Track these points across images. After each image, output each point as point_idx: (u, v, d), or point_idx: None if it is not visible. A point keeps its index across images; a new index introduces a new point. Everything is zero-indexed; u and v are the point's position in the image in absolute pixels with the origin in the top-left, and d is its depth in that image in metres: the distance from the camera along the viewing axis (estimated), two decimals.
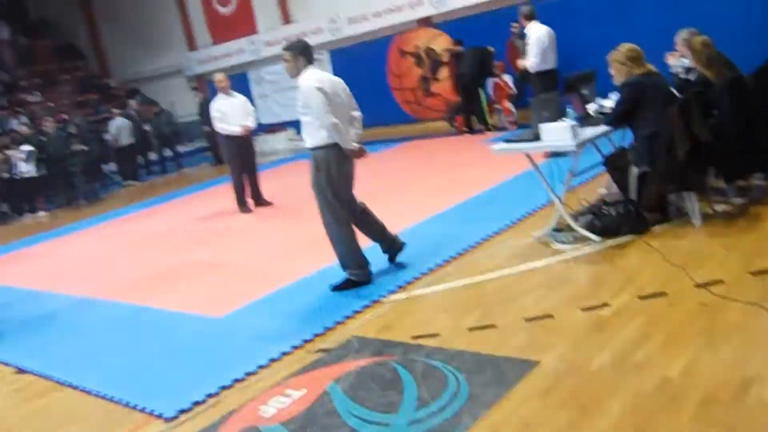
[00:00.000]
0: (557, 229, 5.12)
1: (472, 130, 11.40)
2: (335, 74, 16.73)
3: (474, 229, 5.67)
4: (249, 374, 3.90)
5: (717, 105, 4.87)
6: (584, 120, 5.15)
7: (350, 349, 3.96)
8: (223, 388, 3.79)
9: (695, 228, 4.69)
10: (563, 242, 4.95)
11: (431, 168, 9.30)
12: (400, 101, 14.19)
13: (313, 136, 4.71)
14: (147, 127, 15.85)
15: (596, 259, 4.59)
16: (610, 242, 4.75)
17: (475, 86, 11.14)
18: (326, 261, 5.21)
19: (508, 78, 10.93)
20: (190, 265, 6.68)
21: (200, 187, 12.16)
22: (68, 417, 3.92)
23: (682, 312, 3.56)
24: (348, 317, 4.43)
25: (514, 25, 10.04)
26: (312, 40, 14.77)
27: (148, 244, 8.25)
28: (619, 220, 4.86)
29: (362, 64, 14.26)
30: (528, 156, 5.08)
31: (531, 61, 7.83)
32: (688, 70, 5.72)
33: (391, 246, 5.17)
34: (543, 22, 7.98)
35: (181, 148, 16.45)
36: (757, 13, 9.06)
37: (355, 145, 4.83)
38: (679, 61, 6.08)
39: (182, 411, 3.63)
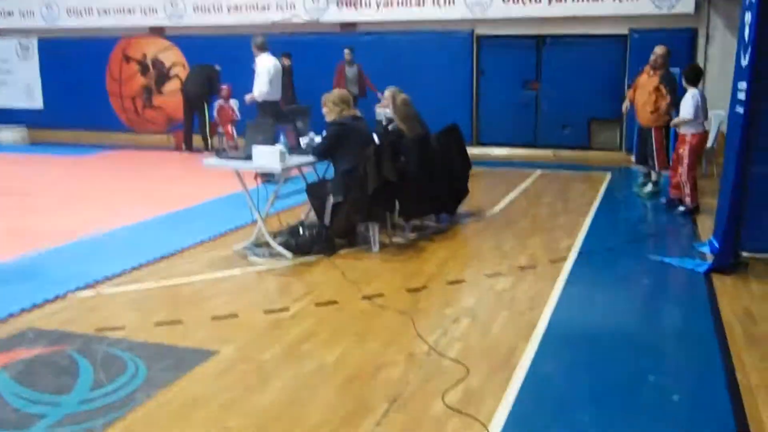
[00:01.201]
0: (257, 245, 5.82)
1: (190, 148, 11.77)
2: (44, 67, 15.87)
3: (176, 238, 6.13)
4: None
5: (405, 154, 6.08)
6: (294, 149, 5.99)
7: (24, 340, 4.10)
8: None
9: (373, 253, 5.76)
10: (259, 256, 5.65)
11: (141, 177, 9.50)
12: (116, 108, 13.98)
13: None
14: None
15: (286, 273, 5.37)
16: (301, 260, 5.58)
17: (201, 104, 11.59)
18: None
19: (234, 103, 11.56)
20: None
21: None
22: None
23: (347, 316, 4.45)
24: (25, 310, 4.53)
25: (348, 51, 10.91)
26: (19, 23, 14.11)
27: None
28: (311, 241, 5.72)
29: (78, 61, 13.83)
30: (237, 174, 5.73)
31: (258, 90, 8.59)
32: (390, 120, 6.95)
33: None
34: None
35: None
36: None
37: None
38: (384, 111, 7.34)
39: None
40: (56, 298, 4.75)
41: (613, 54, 10.71)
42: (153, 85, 13.63)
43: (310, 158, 5.87)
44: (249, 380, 3.61)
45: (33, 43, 14.31)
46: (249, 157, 5.56)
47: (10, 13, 14.33)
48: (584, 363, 3.81)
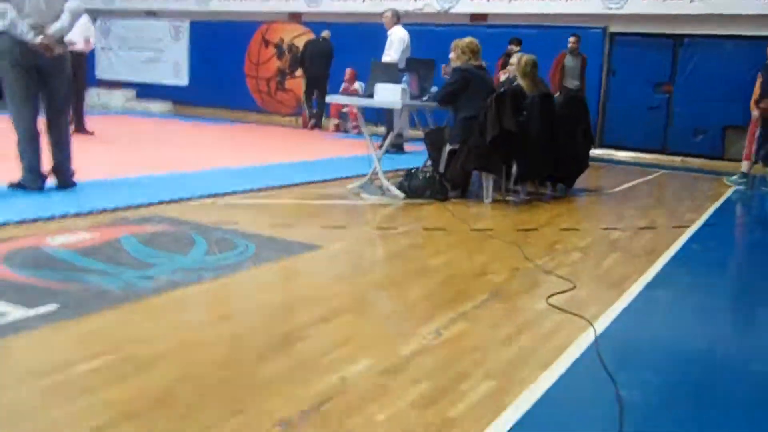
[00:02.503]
0: (370, 184, 5.88)
1: (319, 127, 12.11)
2: (193, 47, 16.75)
3: (294, 175, 6.30)
4: (42, 219, 4.12)
5: (527, 111, 5.97)
6: (416, 98, 6.02)
7: (152, 220, 4.34)
8: (9, 222, 3.98)
9: (484, 204, 5.66)
10: (372, 194, 5.69)
11: (268, 138, 9.87)
12: (252, 89, 14.65)
13: None
14: None
15: (397, 207, 5.38)
16: (412, 201, 5.57)
17: (323, 82, 11.85)
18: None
19: (358, 85, 11.77)
20: None
21: None
22: None
23: (454, 239, 4.39)
24: (154, 204, 4.78)
25: (572, 40, 10.08)
26: (175, 5, 15.14)
27: None
28: (425, 186, 5.70)
29: (222, 42, 14.64)
30: (358, 111, 5.82)
31: (390, 57, 8.68)
32: (512, 80, 6.84)
33: (57, 174, 5.09)
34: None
35: None
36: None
37: (38, 38, 4.62)
38: (505, 77, 7.25)
39: None
40: (181, 199, 4.99)
41: (757, 57, 10.07)
42: (287, 68, 14.18)
43: (432, 104, 5.87)
44: (353, 264, 3.64)
45: (185, 25, 15.28)
46: (371, 96, 5.64)
47: None
48: (699, 305, 3.57)
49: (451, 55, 5.85)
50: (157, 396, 2.02)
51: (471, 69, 5.77)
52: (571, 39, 10.07)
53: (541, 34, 11.13)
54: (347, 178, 6.53)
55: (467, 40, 5.92)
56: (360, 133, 11.15)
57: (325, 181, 6.31)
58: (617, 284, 3.57)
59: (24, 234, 3.81)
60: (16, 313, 2.61)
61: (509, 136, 5.60)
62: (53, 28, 4.70)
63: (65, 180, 5.06)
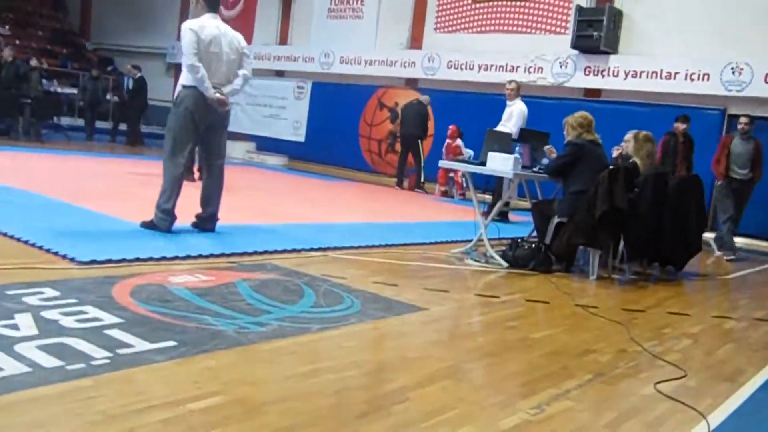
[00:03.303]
0: (474, 251, 5.84)
1: (401, 185, 12.22)
2: (312, 107, 17.52)
3: (398, 236, 6.36)
4: (165, 258, 4.35)
5: (639, 188, 5.81)
6: (527, 168, 5.99)
7: (264, 268, 4.49)
8: (138, 259, 4.23)
9: (589, 280, 5.49)
10: (475, 260, 5.65)
11: (375, 198, 10.04)
12: (364, 149, 15.06)
13: (183, 74, 5.13)
14: (108, 96, 16.44)
15: (499, 276, 5.30)
16: (516, 271, 5.47)
17: (415, 143, 11.98)
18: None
19: (460, 143, 11.75)
20: (125, 195, 7.08)
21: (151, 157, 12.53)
22: None
23: (557, 314, 4.27)
24: (268, 252, 4.96)
25: (744, 121, 8.33)
26: (300, 67, 15.94)
27: (84, 176, 8.57)
28: (529, 257, 5.60)
29: (340, 103, 15.22)
30: (467, 177, 5.84)
31: (509, 129, 8.67)
32: (627, 158, 6.68)
33: (204, 221, 5.40)
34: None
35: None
36: None
37: (216, 94, 5.04)
38: (618, 153, 7.09)
39: (94, 261, 4.04)
40: (293, 250, 5.14)
41: None
42: (398, 131, 14.51)
43: (542, 175, 5.82)
44: (454, 330, 3.61)
45: (308, 86, 16.02)
46: (483, 164, 5.66)
47: (294, 59, 16.23)
48: None
49: (564, 131, 5.81)
50: None
51: (583, 143, 5.70)
52: (743, 120, 8.32)
53: (651, 113, 10.89)
54: (450, 242, 6.52)
55: (578, 114, 5.87)
56: (463, 199, 11.21)
57: (428, 243, 6.33)
58: (732, 377, 3.34)
59: (149, 271, 4.03)
60: (139, 346, 2.75)
61: (619, 213, 5.45)
62: (230, 88, 5.18)
63: (212, 227, 5.37)
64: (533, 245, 5.68)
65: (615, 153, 7.43)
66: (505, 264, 5.54)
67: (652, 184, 5.81)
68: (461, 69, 13.23)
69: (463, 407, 2.51)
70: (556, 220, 5.69)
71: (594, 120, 5.80)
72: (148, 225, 5.15)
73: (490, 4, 13.30)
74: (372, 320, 3.58)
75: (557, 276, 5.50)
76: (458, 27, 13.75)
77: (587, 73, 11.63)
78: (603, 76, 11.46)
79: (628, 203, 5.51)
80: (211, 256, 4.60)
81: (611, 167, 5.50)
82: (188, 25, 5.04)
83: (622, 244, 5.83)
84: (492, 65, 12.76)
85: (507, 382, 2.92)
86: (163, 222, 5.13)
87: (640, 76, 11.08)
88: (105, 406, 2.17)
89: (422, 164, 12.08)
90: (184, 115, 5.05)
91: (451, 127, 11.84)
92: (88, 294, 3.38)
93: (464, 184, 11.80)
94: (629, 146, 6.31)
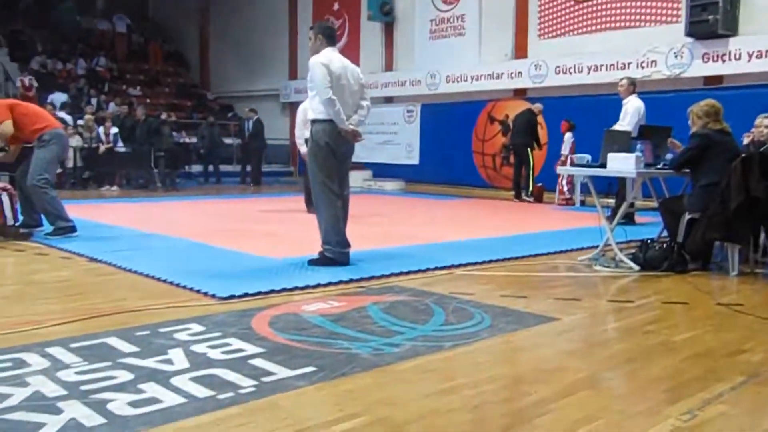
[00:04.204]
0: (603, 257, 5.64)
1: (519, 197, 11.94)
2: (423, 128, 17.82)
3: (523, 248, 6.25)
4: (298, 288, 4.52)
5: None
6: (649, 165, 5.73)
7: (392, 290, 4.56)
8: (273, 291, 4.43)
9: (729, 277, 5.14)
10: (604, 266, 5.45)
11: (494, 213, 9.95)
12: (478, 165, 15.00)
13: (314, 109, 5.23)
14: (231, 140, 17.49)
15: (632, 279, 5.09)
16: (648, 273, 5.23)
17: (525, 152, 11.73)
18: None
19: (570, 136, 11.32)
20: (253, 231, 7.44)
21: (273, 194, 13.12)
22: (131, 288, 4.60)
23: (699, 314, 4.04)
24: (394, 274, 5.03)
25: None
26: (408, 91, 16.17)
27: (219, 217, 9.10)
28: (661, 257, 5.34)
29: (450, 121, 15.28)
30: (589, 181, 5.67)
31: (624, 127, 8.35)
32: (763, 143, 6.23)
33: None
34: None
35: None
36: None
37: (350, 126, 5.15)
38: (749, 140, 6.62)
39: (233, 296, 4.27)
40: (419, 270, 5.19)
41: None
42: (510, 144, 14.32)
43: (667, 172, 5.55)
44: (590, 338, 3.50)
45: (417, 108, 16.22)
46: (603, 166, 5.48)
47: (402, 84, 16.50)
48: None
49: (690, 122, 5.51)
50: None
51: (710, 133, 5.38)
52: None
53: None
54: (575, 250, 6.34)
55: (703, 103, 5.55)
56: (570, 205, 10.84)
57: (554, 253, 6.19)
58: None
59: (284, 301, 4.21)
60: (281, 373, 2.86)
61: (756, 203, 5.09)
62: (356, 119, 5.29)
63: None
64: (665, 245, 5.41)
65: (746, 140, 6.94)
66: (637, 267, 5.31)
67: None
68: (570, 73, 12.94)
69: (608, 417, 2.42)
70: (687, 216, 5.40)
71: (722, 108, 5.46)
72: (320, 262, 5.23)
73: (594, 2, 12.94)
74: (504, 334, 3.54)
75: (694, 275, 5.20)
76: (563, 30, 13.47)
77: (706, 60, 11.02)
78: (723, 61, 10.81)
79: (766, 192, 5.14)
80: (341, 282, 4.73)
81: (743, 155, 5.16)
82: (318, 60, 5.09)
83: (763, 236, 5.44)
84: (602, 65, 12.39)
85: (651, 388, 2.79)
86: (337, 254, 5.22)
87: (766, 56, 10.34)
88: (255, 431, 2.28)
89: (531, 173, 11.84)
90: (325, 148, 5.16)
91: (563, 122, 11.55)
92: (230, 327, 3.57)
93: (568, 191, 11.39)
94: (763, 131, 5.90)
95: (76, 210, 6.90)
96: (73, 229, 6.59)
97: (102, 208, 10.01)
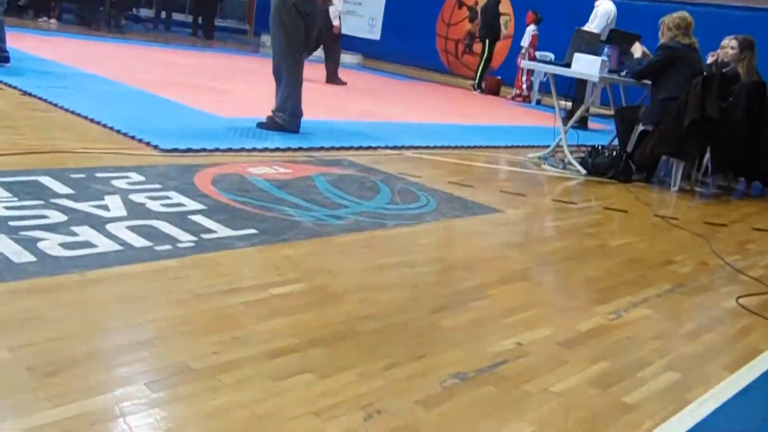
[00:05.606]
0: (552, 156, 5.69)
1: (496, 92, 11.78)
2: (389, 3, 16.83)
3: (475, 138, 6.23)
4: (245, 150, 4.41)
5: (734, 98, 5.45)
6: (614, 72, 5.69)
7: (341, 163, 4.50)
8: (218, 149, 4.30)
9: (670, 191, 5.29)
10: (552, 166, 5.51)
11: (449, 101, 9.85)
12: (440, 49, 14.65)
13: None
14: None
15: (577, 183, 5.18)
16: (594, 178, 5.32)
17: (484, 43, 11.38)
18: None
19: (533, 29, 10.91)
20: (200, 87, 7.15)
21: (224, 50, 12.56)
22: (68, 128, 4.38)
23: (636, 223, 4.16)
24: (344, 147, 4.95)
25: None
26: None
27: (166, 67, 8.68)
28: (609, 165, 5.42)
29: (418, 1, 14.69)
30: (550, 80, 5.61)
31: (592, 29, 8.21)
32: (725, 65, 6.25)
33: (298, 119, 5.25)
34: None
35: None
36: None
37: None
38: (713, 59, 6.63)
39: (176, 149, 4.12)
40: (370, 147, 5.13)
41: None
42: (477, 32, 13.97)
43: (629, 80, 5.53)
44: (531, 233, 3.57)
45: None
46: (567, 65, 5.41)
47: None
48: None
49: (659, 33, 5.44)
50: (342, 329, 2.10)
51: (677, 46, 5.34)
52: None
53: (755, 18, 10.08)
54: (525, 147, 6.37)
55: (676, 14, 5.46)
56: (526, 102, 10.78)
57: (505, 147, 6.20)
58: None
59: (229, 161, 4.10)
60: (221, 232, 2.82)
61: (709, 123, 5.16)
62: None
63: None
64: (614, 153, 5.48)
65: (710, 59, 6.93)
66: (584, 171, 5.39)
67: (748, 93, 5.44)
68: None
69: (540, 308, 2.50)
70: (640, 127, 5.45)
71: (693, 22, 5.39)
72: (269, 126, 5.12)
73: None
74: (447, 219, 3.57)
75: (637, 186, 5.32)
76: None
77: None
78: None
79: (720, 113, 5.20)
80: (289, 149, 4.64)
81: (705, 74, 5.16)
82: None
83: (707, 156, 5.57)
84: None
85: (584, 287, 2.89)
86: (288, 122, 5.09)
87: None
88: (192, 285, 2.25)
89: (482, 64, 11.54)
90: (291, 9, 4.93)
91: (529, 12, 11.23)
92: (171, 180, 3.47)
93: (527, 88, 11.23)
94: (728, 53, 5.90)
95: (9, 39, 6.42)
96: (6, 59, 6.17)
97: (38, 40, 9.37)
